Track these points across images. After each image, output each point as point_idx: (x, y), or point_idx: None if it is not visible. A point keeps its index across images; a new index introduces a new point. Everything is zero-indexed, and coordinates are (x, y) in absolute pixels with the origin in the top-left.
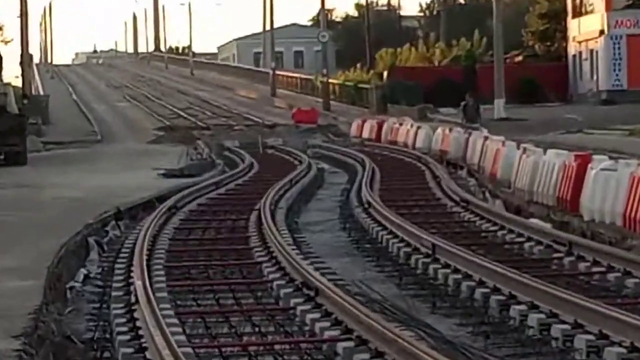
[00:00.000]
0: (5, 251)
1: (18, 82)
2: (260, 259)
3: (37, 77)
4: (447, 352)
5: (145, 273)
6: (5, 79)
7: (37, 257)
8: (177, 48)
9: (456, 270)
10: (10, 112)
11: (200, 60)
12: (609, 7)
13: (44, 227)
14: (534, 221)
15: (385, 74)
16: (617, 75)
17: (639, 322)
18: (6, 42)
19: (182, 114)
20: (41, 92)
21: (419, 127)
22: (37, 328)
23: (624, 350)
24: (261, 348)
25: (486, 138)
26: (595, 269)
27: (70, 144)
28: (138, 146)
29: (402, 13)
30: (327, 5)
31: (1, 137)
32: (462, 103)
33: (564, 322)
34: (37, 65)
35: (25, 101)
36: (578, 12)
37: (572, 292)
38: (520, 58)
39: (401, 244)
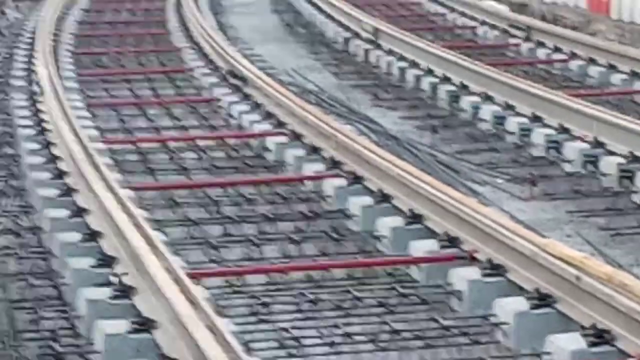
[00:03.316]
0: None
1: None
2: (180, 45)
3: None
4: (390, 148)
5: (51, 60)
6: None
7: None
8: None
9: (401, 58)
10: None
11: None
12: None
13: None
14: (489, 3)
15: None
16: None
17: (602, 115)
18: None
19: None
20: None
21: None
22: None
23: (586, 146)
24: (182, 143)
25: None
26: (556, 57)
27: None
28: None
29: None
30: None
31: None
32: None
33: (520, 115)
34: None
35: None
36: None
37: (530, 81)
38: None
39: (340, 29)
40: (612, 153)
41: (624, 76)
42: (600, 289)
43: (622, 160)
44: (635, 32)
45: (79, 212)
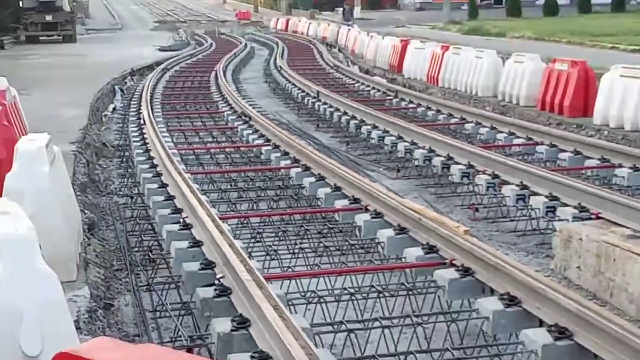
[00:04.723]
0: (64, 93)
1: None
2: (216, 99)
3: None
4: (325, 152)
5: (149, 106)
6: None
7: (84, 97)
8: None
9: (331, 106)
10: (64, 9)
11: None
12: None
13: (88, 79)
14: (376, 78)
15: None
16: None
17: (434, 135)
18: None
19: (169, 13)
20: None
21: (310, 23)
22: (85, 138)
23: (425, 152)
24: (218, 150)
25: (349, 29)
26: (410, 106)
27: (103, 30)
28: (143, 32)
29: None
30: None
31: (60, 25)
32: (342, 9)
33: (392, 136)
34: None
35: (74, 3)
36: None
37: (397, 118)
38: None
39: (299, 90)
40: (438, 155)
41: (445, 115)
42: (431, 224)
43: (443, 158)
44: (452, 93)
45: (163, 185)
